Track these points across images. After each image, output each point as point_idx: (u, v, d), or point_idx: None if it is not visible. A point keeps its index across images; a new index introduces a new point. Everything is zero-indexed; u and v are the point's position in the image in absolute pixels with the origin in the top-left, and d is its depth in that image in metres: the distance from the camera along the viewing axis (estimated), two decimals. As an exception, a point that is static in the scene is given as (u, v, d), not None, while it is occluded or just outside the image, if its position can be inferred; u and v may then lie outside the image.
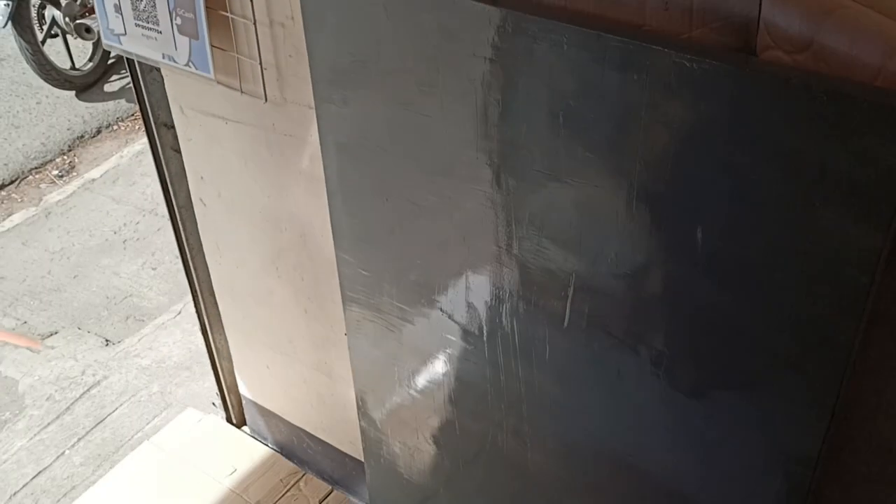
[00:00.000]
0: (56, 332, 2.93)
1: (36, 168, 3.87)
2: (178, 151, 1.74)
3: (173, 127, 1.71)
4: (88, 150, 4.01)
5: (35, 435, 2.54)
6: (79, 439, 2.50)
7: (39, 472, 2.42)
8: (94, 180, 3.72)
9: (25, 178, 3.82)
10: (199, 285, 1.95)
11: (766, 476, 1.13)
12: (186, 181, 1.78)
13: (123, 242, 3.32)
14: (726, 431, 1.16)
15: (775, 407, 1.07)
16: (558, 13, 1.06)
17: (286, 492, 2.04)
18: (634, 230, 1.11)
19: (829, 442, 1.05)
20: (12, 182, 3.79)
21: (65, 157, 3.93)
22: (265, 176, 1.60)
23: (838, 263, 0.95)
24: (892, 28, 0.86)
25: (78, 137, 4.07)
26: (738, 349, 1.09)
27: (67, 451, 2.47)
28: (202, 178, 1.74)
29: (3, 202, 3.68)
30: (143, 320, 2.95)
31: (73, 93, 4.28)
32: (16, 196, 3.72)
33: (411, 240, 1.40)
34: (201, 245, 1.87)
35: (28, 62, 3.99)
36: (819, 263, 0.97)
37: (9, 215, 3.53)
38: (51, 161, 3.91)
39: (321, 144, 1.41)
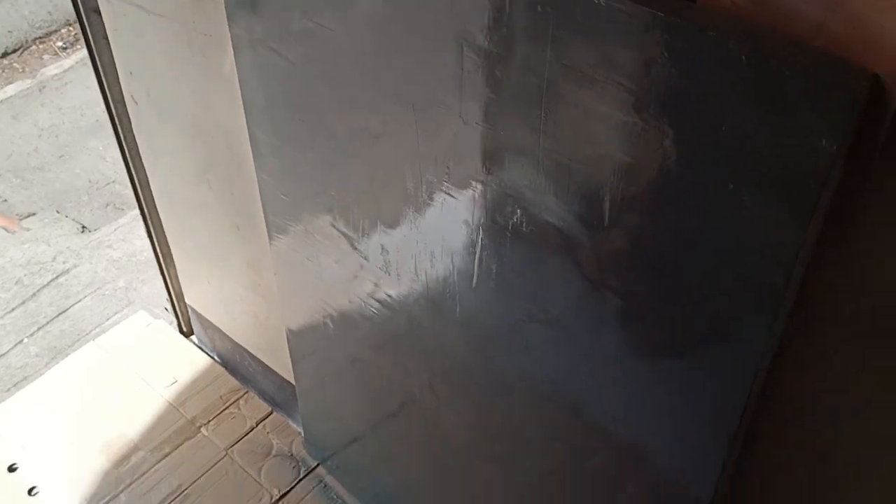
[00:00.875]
0: (34, 214, 2.85)
1: (40, 38, 3.74)
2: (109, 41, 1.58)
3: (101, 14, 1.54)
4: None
5: (-2, 319, 2.49)
6: (39, 328, 2.44)
7: (-5, 359, 2.37)
8: (95, 56, 3.58)
9: (28, 47, 3.69)
10: (141, 187, 1.81)
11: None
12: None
13: (114, 125, 3.20)
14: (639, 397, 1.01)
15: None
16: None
17: (224, 409, 1.95)
18: (540, 189, 0.93)
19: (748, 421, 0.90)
20: (15, 51, 3.67)
21: (70, 29, 3.78)
22: (189, 79, 1.44)
23: (753, 255, 0.77)
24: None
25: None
26: (634, 323, 0.93)
27: (26, 340, 2.41)
28: (131, 73, 1.58)
29: (3, 71, 3.56)
30: (122, 209, 2.85)
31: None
32: (17, 66, 3.60)
33: (325, 170, 1.24)
34: (138, 145, 1.72)
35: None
36: (731, 254, 0.79)
37: (5, 86, 3.42)
38: (56, 31, 3.77)
39: (234, 52, 1.24)
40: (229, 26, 1.22)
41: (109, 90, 1.66)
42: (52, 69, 3.48)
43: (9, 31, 3.68)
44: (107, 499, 1.81)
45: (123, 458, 1.87)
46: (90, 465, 1.86)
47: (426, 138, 1.04)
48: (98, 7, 1.54)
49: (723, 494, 0.98)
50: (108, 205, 2.88)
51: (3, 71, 3.56)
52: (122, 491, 1.82)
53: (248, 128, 1.32)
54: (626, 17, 0.74)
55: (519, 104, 0.90)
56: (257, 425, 1.92)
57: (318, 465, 1.85)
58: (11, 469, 1.87)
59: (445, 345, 1.25)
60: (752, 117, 0.71)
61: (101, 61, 1.62)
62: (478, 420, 1.32)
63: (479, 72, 0.91)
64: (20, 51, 3.65)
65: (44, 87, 3.37)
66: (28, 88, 3.38)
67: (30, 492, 1.83)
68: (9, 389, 2.23)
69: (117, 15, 1.50)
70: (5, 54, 3.63)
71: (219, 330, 1.98)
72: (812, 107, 0.67)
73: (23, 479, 1.85)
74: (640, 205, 0.85)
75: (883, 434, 0.86)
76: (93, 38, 1.59)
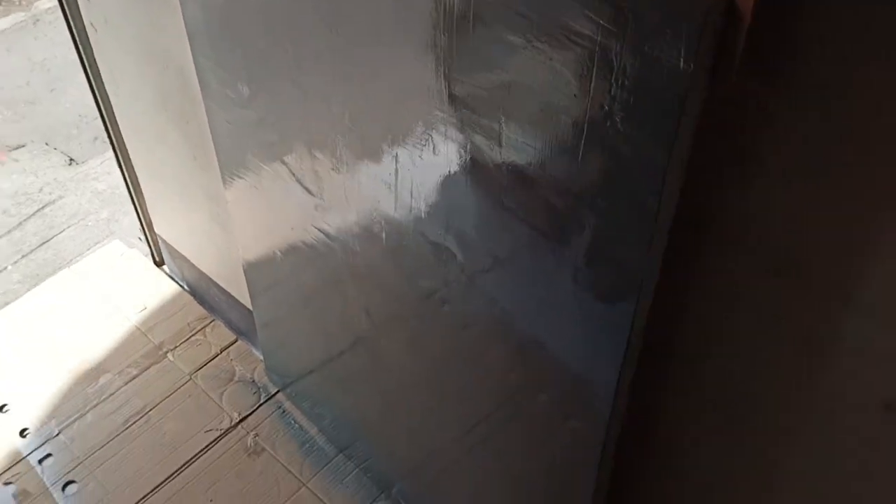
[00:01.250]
0: (23, 146, 2.89)
1: (37, -29, 3.74)
2: (68, -34, 1.60)
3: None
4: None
5: (-16, 246, 2.55)
6: (22, 256, 2.50)
7: (-20, 284, 2.43)
8: (90, -10, 3.59)
9: (25, -20, 3.70)
10: (107, 116, 1.84)
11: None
12: None
13: (106, 59, 3.22)
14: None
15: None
16: None
17: (191, 336, 2.01)
18: (447, 115, 0.95)
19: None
20: (12, -17, 3.68)
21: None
22: (141, 5, 1.46)
23: (628, 177, 0.80)
24: None
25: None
26: (533, 241, 0.96)
27: (10, 267, 2.47)
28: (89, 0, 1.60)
29: (0, 4, 3.58)
30: (108, 143, 2.88)
31: None
32: (14, -1, 3.62)
33: (264, 98, 1.26)
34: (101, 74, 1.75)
35: None
36: (610, 175, 0.81)
37: (1, 18, 3.45)
38: (53, -35, 3.77)
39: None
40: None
41: (72, 18, 1.68)
42: (45, 2, 3.49)
43: (6, -36, 3.69)
44: (74, 417, 1.87)
45: (91, 379, 1.93)
46: (59, 384, 1.92)
47: (350, 67, 1.06)
48: (56, -67, 1.55)
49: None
50: (96, 138, 2.91)
51: (2, 3, 3.58)
52: (88, 410, 1.88)
53: (192, 54, 1.34)
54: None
55: (424, 31, 0.91)
56: (221, 352, 1.97)
57: (277, 391, 1.90)
58: (-16, 387, 1.94)
59: (375, 271, 1.29)
60: (620, 39, 0.72)
61: (63, -13, 1.64)
62: (409, 345, 1.36)
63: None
64: (17, -16, 3.66)
65: (38, 20, 3.39)
66: (22, 21, 3.40)
67: (1, 408, 1.90)
68: (-11, 314, 2.30)
69: (72, -61, 1.51)
70: (3, -13, 3.65)
71: (187, 260, 2.02)
72: (669, 28, 0.69)
73: (-6, 396, 1.92)
74: (527, 127, 0.87)
75: (763, 359, 0.89)
76: (54, -36, 1.61)
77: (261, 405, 1.89)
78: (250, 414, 1.87)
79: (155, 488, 1.75)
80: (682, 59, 0.69)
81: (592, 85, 0.77)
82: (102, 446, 1.82)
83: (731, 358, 0.92)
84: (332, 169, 1.22)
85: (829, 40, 0.66)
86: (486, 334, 1.15)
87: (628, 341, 0.92)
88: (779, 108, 0.72)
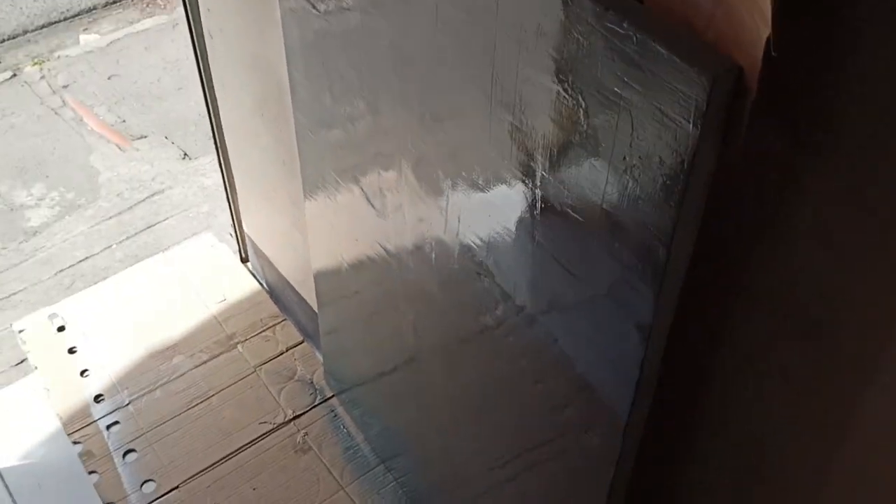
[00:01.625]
0: (145, 136, 3.11)
1: (185, -21, 4.02)
2: (196, -22, 1.75)
3: (191, -49, 1.71)
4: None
5: (96, 224, 2.75)
6: (127, 238, 2.69)
7: (86, 258, 2.63)
8: None
9: (174, -14, 3.97)
10: (214, 116, 1.99)
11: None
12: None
13: (232, 66, 3.43)
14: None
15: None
16: None
17: (262, 331, 2.12)
18: (493, 152, 1.02)
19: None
20: (161, -12, 3.96)
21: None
22: (251, 18, 1.58)
23: (642, 227, 0.84)
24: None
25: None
26: (559, 274, 1.00)
27: (115, 246, 2.66)
28: (209, 10, 1.74)
29: (147, 6, 3.86)
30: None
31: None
32: (160, 2, 3.89)
33: (342, 116, 1.36)
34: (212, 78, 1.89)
35: None
36: (626, 221, 0.86)
37: (144, 19, 3.72)
38: (200, -25, 4.04)
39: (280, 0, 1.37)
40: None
41: (193, 24, 1.83)
42: (187, 8, 3.74)
43: (158, -30, 3.98)
44: (144, 391, 2.01)
45: (165, 358, 2.07)
46: (136, 359, 2.07)
47: (416, 100, 1.14)
48: (188, -54, 1.71)
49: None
50: (210, 137, 3.10)
51: (147, 6, 3.86)
52: (158, 386, 2.02)
53: (287, 67, 1.45)
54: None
55: (469, 64, 0.98)
56: (287, 351, 2.07)
57: (332, 395, 1.98)
58: (71, 351, 2.10)
59: (424, 290, 1.35)
60: (639, 95, 0.77)
61: (188, -3, 1.80)
62: (451, 367, 1.41)
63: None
64: (166, -12, 3.94)
65: (177, 24, 3.63)
66: (163, 23, 3.65)
67: (82, 373, 2.05)
68: (89, 285, 2.48)
69: (200, -47, 1.66)
70: (152, -10, 3.93)
71: (267, 259, 2.14)
72: (680, 90, 0.73)
73: (78, 361, 2.08)
74: (561, 172, 0.92)
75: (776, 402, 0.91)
76: (183, -26, 1.76)
77: (315, 406, 1.98)
78: (304, 413, 1.96)
79: (204, 469, 1.85)
80: (690, 121, 0.73)
81: (615, 137, 0.82)
82: (165, 422, 1.94)
83: (758, 422, 0.94)
84: (395, 188, 1.30)
85: (852, 105, 0.69)
86: (527, 368, 1.20)
87: (651, 396, 0.96)
88: (805, 172, 0.75)
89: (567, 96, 0.86)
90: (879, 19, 0.63)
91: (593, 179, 0.88)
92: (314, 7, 1.28)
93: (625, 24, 0.75)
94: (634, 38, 0.75)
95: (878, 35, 0.64)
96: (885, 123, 0.66)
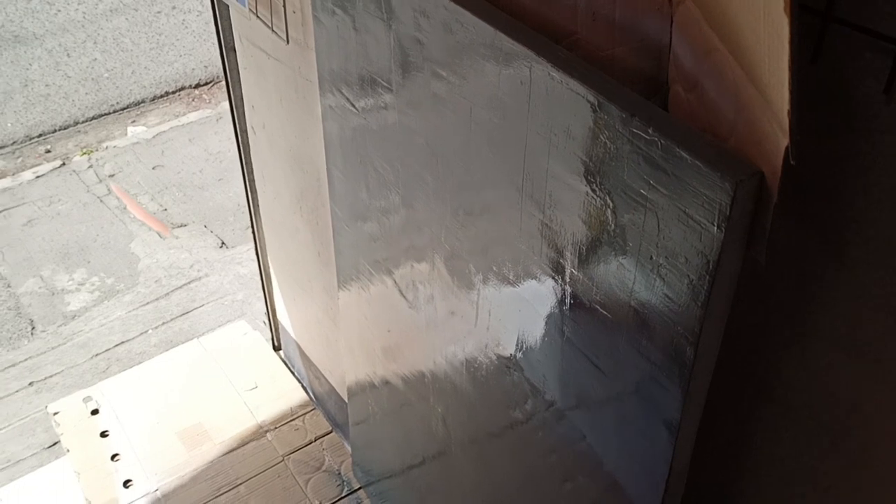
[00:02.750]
0: (185, 225, 3.19)
1: (230, 75, 4.19)
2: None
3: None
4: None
5: (133, 309, 2.81)
6: (163, 323, 2.74)
7: (122, 343, 2.68)
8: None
9: (218, 82, 4.14)
10: (253, 207, 2.05)
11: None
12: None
13: (271, 158, 3.54)
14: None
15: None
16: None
17: (291, 420, 2.13)
18: (525, 252, 1.05)
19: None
20: (207, 83, 4.13)
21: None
22: (293, 116, 1.65)
23: (667, 326, 0.85)
24: (743, 79, 0.74)
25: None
26: (588, 371, 1.01)
27: (150, 331, 2.71)
28: (253, 107, 1.82)
29: (193, 100, 4.02)
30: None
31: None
32: (205, 97, 4.05)
33: (376, 210, 1.40)
34: (253, 171, 1.96)
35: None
36: (653, 322, 0.87)
37: (189, 112, 3.86)
38: (244, 71, 4.21)
39: (320, 96, 1.43)
40: (318, 75, 1.41)
41: (238, 120, 1.91)
42: (231, 103, 3.89)
43: (205, 66, 4.16)
44: (174, 477, 2.01)
45: (195, 444, 2.08)
46: (167, 444, 2.08)
47: (448, 195, 1.18)
48: (234, 46, 1.79)
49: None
50: (248, 227, 3.17)
51: (193, 100, 4.02)
52: (187, 472, 2.02)
53: (326, 162, 1.51)
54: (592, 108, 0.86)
55: (501, 163, 1.02)
56: (315, 440, 2.08)
57: (360, 487, 1.97)
58: (103, 434, 2.12)
59: (453, 382, 1.36)
60: (665, 198, 0.80)
61: (233, 94, 1.88)
62: (479, 462, 1.41)
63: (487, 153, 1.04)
64: (210, 84, 4.11)
65: (221, 117, 3.77)
66: (208, 117, 3.80)
67: (112, 457, 2.07)
68: (124, 369, 2.52)
69: (246, 55, 1.74)
70: (198, 85, 4.10)
71: (299, 347, 2.17)
72: (706, 195, 0.76)
73: (110, 445, 2.09)
74: (588, 264, 0.94)
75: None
76: (230, 73, 1.85)
77: (342, 497, 1.96)
78: (330, 504, 1.95)
79: (229, 559, 1.84)
80: (714, 224, 0.75)
81: (642, 237, 0.85)
82: (192, 509, 1.94)
83: None
84: (427, 281, 1.32)
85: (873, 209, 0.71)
86: (556, 465, 1.20)
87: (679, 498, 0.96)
88: (831, 273, 0.77)
89: (595, 196, 0.89)
90: (890, 133, 0.66)
91: (621, 277, 0.90)
92: (352, 105, 1.34)
93: (650, 130, 0.78)
94: (660, 144, 0.78)
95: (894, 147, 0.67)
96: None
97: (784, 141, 0.65)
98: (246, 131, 1.92)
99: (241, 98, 1.87)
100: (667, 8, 0.86)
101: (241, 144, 1.95)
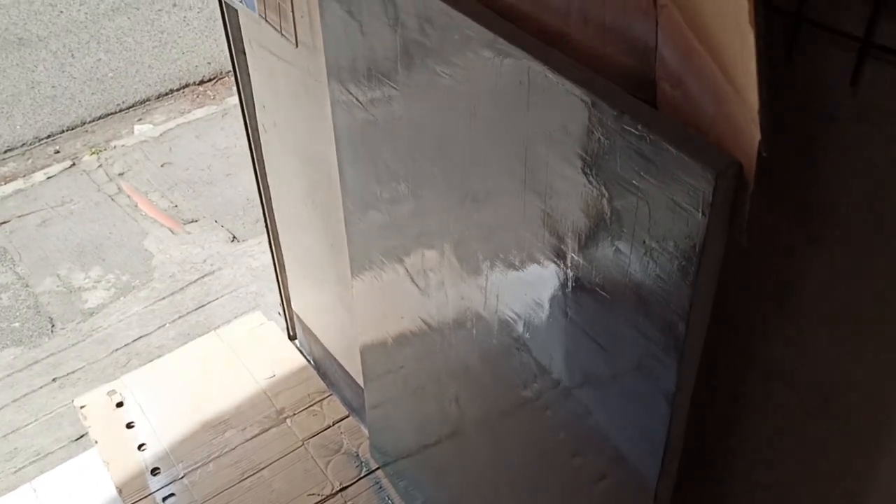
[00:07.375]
0: (196, 220, 3.27)
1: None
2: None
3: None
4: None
5: (150, 305, 2.89)
6: (179, 317, 2.82)
7: (140, 337, 2.76)
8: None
9: (222, 78, 4.21)
10: (266, 202, 2.12)
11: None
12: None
13: (277, 152, 3.61)
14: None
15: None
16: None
17: (308, 406, 2.21)
18: (526, 232, 1.12)
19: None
20: (211, 80, 4.19)
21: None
22: (303, 114, 1.72)
23: (662, 304, 0.93)
24: (720, 78, 0.81)
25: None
26: (587, 348, 1.09)
27: (168, 325, 2.80)
28: (264, 106, 1.89)
29: (198, 97, 4.09)
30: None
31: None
32: (210, 93, 4.12)
33: (387, 202, 1.48)
34: (265, 168, 2.04)
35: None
36: (648, 301, 0.95)
37: (195, 109, 3.93)
38: (247, 66, 4.28)
39: (329, 94, 1.50)
40: (327, 75, 1.49)
41: (248, 119, 1.98)
42: (235, 99, 3.96)
43: (208, 63, 4.22)
44: (198, 464, 2.10)
45: (218, 432, 2.16)
46: (190, 433, 2.17)
47: (457, 186, 1.26)
48: (244, 49, 1.87)
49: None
50: (257, 221, 3.25)
51: (198, 97, 4.09)
52: (212, 460, 2.11)
53: (337, 156, 1.58)
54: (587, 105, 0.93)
55: (503, 156, 1.10)
56: (333, 424, 2.16)
57: (377, 468, 2.06)
58: (129, 426, 2.21)
59: (466, 364, 1.44)
60: (654, 187, 0.88)
61: (244, 94, 1.95)
62: (493, 440, 1.49)
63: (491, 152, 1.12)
64: (214, 80, 4.18)
65: (226, 113, 3.84)
66: (213, 113, 3.87)
67: (139, 447, 2.16)
68: (144, 363, 2.61)
69: (257, 57, 1.82)
70: (202, 82, 4.17)
71: (314, 336, 2.25)
72: (691, 183, 0.83)
73: (136, 435, 2.18)
74: (587, 249, 1.02)
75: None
76: (240, 74, 1.92)
77: (361, 478, 2.05)
78: (350, 485, 2.04)
79: (256, 539, 1.93)
80: (699, 210, 0.83)
81: (635, 223, 0.92)
82: (218, 493, 2.03)
83: (781, 471, 1.01)
84: (437, 268, 1.40)
85: (842, 195, 0.78)
86: (564, 441, 1.27)
87: (677, 464, 1.04)
88: (805, 253, 0.84)
89: (591, 187, 0.97)
90: (856, 122, 0.73)
91: (618, 261, 0.98)
92: (361, 104, 1.41)
93: (639, 127, 0.86)
94: (648, 139, 0.85)
95: (861, 135, 0.74)
96: (873, 212, 0.76)
97: (758, 135, 0.73)
98: (257, 129, 1.99)
99: (252, 97, 1.94)
100: (652, 11, 0.93)
101: (252, 142, 2.03)
